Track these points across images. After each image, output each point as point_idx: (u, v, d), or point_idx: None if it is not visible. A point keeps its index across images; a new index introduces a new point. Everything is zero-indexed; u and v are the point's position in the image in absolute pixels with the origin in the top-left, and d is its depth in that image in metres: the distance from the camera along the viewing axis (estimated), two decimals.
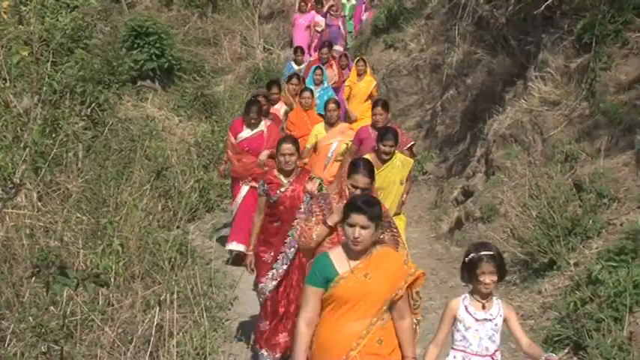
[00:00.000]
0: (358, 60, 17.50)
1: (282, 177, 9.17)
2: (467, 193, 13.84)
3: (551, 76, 12.83)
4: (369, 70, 17.57)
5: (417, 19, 20.50)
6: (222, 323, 10.03)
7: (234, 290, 11.04)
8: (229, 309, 10.52)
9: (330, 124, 12.94)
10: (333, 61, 18.52)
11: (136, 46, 20.39)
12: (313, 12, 23.24)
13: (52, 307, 8.45)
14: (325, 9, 23.08)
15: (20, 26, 14.30)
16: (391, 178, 10.23)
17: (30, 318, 8.10)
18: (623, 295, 8.41)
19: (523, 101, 13.13)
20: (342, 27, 22.99)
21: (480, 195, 13.19)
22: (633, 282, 8.52)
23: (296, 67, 18.44)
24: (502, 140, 13.24)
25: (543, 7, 13.08)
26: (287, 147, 9.15)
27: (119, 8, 26.30)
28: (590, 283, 9.02)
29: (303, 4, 24.04)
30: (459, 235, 13.16)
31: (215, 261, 11.73)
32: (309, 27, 22.86)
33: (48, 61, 13.41)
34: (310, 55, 21.35)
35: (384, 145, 10.18)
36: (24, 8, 14.60)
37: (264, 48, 26.05)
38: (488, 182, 13.12)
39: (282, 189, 9.06)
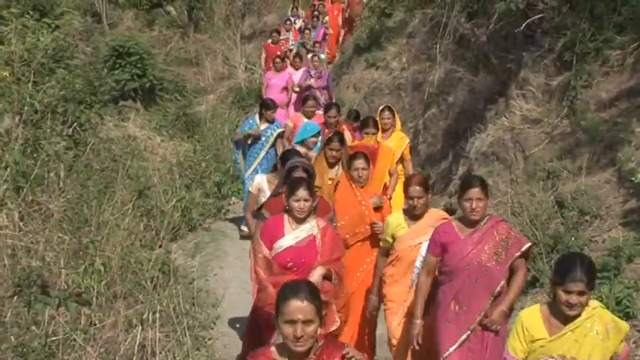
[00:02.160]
0: (383, 110, 13.16)
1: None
2: (450, 211, 13.83)
3: (532, 94, 12.87)
4: (398, 122, 13.27)
5: (398, 37, 20.56)
6: (205, 342, 10.01)
7: (217, 309, 11.05)
8: (212, 328, 10.53)
9: (412, 215, 8.56)
10: (343, 125, 13.86)
11: (117, 66, 20.41)
12: (289, 70, 19.46)
13: (33, 327, 8.41)
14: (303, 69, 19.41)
15: (1, 46, 14.31)
16: None
17: (12, 338, 8.06)
18: None
19: (504, 119, 13.16)
20: (329, 85, 19.28)
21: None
22: (616, 299, 8.55)
23: (259, 124, 13.99)
24: (484, 158, 13.26)
25: (524, 25, 13.15)
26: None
27: (101, 29, 26.40)
28: None
29: (277, 59, 19.58)
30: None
31: (197, 280, 11.69)
32: (285, 89, 18.79)
33: (29, 81, 13.39)
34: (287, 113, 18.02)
35: None
36: (5, 28, 14.61)
37: (246, 67, 26.13)
38: None
39: None
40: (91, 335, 8.62)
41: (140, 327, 8.74)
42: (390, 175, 12.09)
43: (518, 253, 7.42)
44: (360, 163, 9.51)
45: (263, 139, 13.87)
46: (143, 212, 13.58)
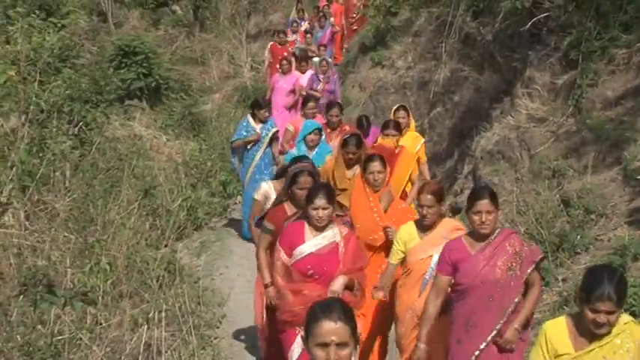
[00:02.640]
0: (397, 109, 12.56)
1: None
2: (455, 210, 13.82)
3: (538, 92, 12.86)
4: (412, 123, 12.70)
5: (404, 36, 20.53)
6: (211, 341, 10.02)
7: (223, 308, 11.05)
8: (218, 327, 10.53)
9: (422, 226, 8.21)
10: (346, 126, 13.39)
11: (123, 65, 20.40)
12: (297, 73, 18.95)
13: (39, 326, 8.43)
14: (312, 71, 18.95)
15: (7, 46, 14.31)
16: None
17: (18, 337, 8.08)
18: None
19: (510, 118, 13.15)
20: (336, 88, 18.78)
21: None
22: None
23: (254, 125, 14.02)
24: (489, 157, 13.25)
25: (530, 24, 13.13)
26: None
27: (106, 28, 26.42)
28: None
29: (285, 62, 18.94)
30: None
31: (203, 279, 11.69)
32: (292, 92, 18.40)
33: (35, 80, 13.40)
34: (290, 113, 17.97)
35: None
36: (11, 28, 14.60)
37: (251, 67, 26.11)
38: None
39: None
40: (96, 334, 8.63)
41: (146, 326, 8.75)
42: (412, 182, 11.37)
43: (532, 267, 7.07)
44: (375, 165, 9.03)
45: (259, 140, 13.94)
46: (149, 211, 13.59)
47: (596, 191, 10.49)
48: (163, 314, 9.05)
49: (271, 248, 8.10)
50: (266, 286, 8.19)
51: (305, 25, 25.53)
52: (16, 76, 12.82)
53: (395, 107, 12.79)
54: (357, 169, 10.02)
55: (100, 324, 8.91)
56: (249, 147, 13.92)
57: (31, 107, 12.79)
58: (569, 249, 10.13)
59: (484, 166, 13.27)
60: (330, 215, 7.55)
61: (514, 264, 7.04)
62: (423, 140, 12.53)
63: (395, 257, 8.28)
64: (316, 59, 20.68)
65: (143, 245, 11.78)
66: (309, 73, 18.96)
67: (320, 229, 7.54)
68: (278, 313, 7.67)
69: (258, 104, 14.19)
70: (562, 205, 10.85)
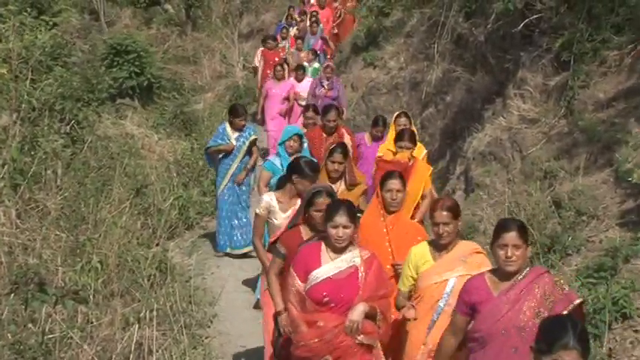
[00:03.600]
0: (398, 116, 12.34)
1: None
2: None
3: (530, 94, 12.89)
4: (415, 130, 11.91)
5: (396, 37, 20.54)
6: (202, 341, 10.02)
7: (214, 308, 11.05)
8: (209, 326, 10.53)
9: (438, 246, 7.39)
10: (343, 129, 12.89)
11: (115, 64, 20.38)
12: (292, 80, 18.72)
13: (30, 325, 8.42)
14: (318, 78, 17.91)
15: None
16: None
17: (8, 335, 8.06)
18: (603, 312, 8.43)
19: (502, 119, 13.18)
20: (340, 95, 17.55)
21: None
22: (612, 299, 8.55)
23: (230, 134, 13.34)
24: (481, 158, 13.27)
25: (522, 25, 13.17)
26: None
27: (98, 26, 26.38)
28: None
29: (279, 68, 18.72)
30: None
31: (194, 278, 11.68)
32: (287, 99, 18.18)
33: (27, 78, 13.38)
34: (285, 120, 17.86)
35: None
36: (2, 26, 14.59)
37: (243, 66, 26.11)
38: (468, 200, 13.14)
39: None
40: (87, 333, 8.62)
41: (137, 325, 8.75)
42: (423, 197, 10.62)
43: (565, 313, 5.87)
44: (394, 183, 8.27)
45: (234, 150, 13.25)
46: (140, 210, 13.59)
47: (587, 193, 10.50)
48: (155, 313, 9.05)
49: (282, 273, 7.53)
50: (278, 314, 7.48)
51: (294, 31, 24.96)
52: (8, 74, 12.82)
53: (396, 114, 12.44)
54: (340, 184, 9.72)
55: (91, 323, 8.90)
56: (221, 155, 13.28)
57: (23, 105, 12.78)
58: (561, 250, 10.14)
59: (476, 167, 13.30)
60: (351, 236, 6.84)
61: (542, 309, 5.98)
62: (425, 151, 12.03)
63: (405, 284, 7.40)
64: (316, 66, 20.52)
65: (134, 244, 11.78)
66: (307, 80, 18.48)
67: (339, 250, 6.84)
68: (292, 347, 6.90)
69: (236, 111, 13.42)
70: (553, 207, 10.87)
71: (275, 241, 7.96)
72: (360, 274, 6.77)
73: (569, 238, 10.12)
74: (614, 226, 9.91)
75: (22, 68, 13.47)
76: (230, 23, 28.44)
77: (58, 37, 17.06)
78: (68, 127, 14.80)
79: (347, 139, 12.28)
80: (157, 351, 8.67)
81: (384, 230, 8.16)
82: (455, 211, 7.21)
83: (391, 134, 11.92)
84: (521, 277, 6.13)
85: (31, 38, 14.46)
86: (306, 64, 20.39)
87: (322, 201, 7.52)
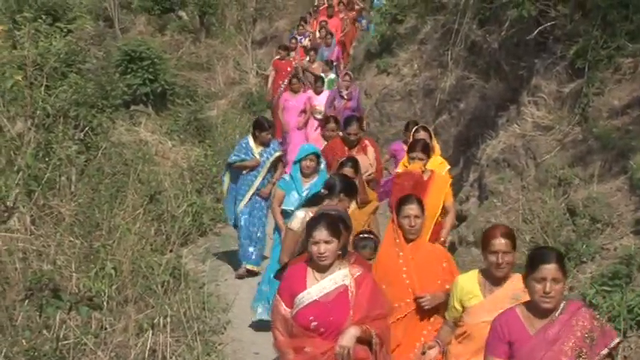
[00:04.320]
0: (417, 130, 11.54)
1: None
2: (460, 218, 13.83)
3: (544, 101, 12.85)
4: (437, 146, 11.53)
5: (410, 44, 20.56)
6: (216, 347, 10.02)
7: (228, 314, 11.06)
8: (222, 333, 10.54)
9: (493, 279, 6.68)
10: (366, 141, 12.28)
11: (129, 70, 20.40)
12: (309, 92, 18.26)
13: (44, 331, 8.44)
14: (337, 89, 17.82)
15: (14, 50, 14.39)
16: None
17: (23, 341, 8.09)
18: (618, 319, 8.41)
19: (516, 126, 13.15)
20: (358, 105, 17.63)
21: (473, 219, 13.18)
22: (627, 306, 8.52)
23: (254, 148, 12.75)
24: (495, 165, 13.25)
25: (536, 32, 13.14)
26: None
27: (113, 33, 26.44)
28: None
29: (295, 80, 18.40)
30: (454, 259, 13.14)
31: (208, 285, 11.70)
32: (303, 111, 17.81)
33: (41, 85, 13.43)
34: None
35: None
36: (18, 33, 14.68)
37: (257, 73, 26.13)
38: (482, 207, 13.12)
39: None
40: (101, 339, 8.65)
41: (151, 331, 8.76)
42: (446, 211, 10.13)
43: (605, 351, 5.52)
44: (412, 209, 7.50)
45: (258, 166, 12.71)
46: (154, 217, 13.60)
47: (602, 200, 10.47)
48: (168, 320, 9.06)
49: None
50: None
51: (306, 41, 24.65)
52: (23, 81, 12.87)
53: (415, 128, 11.64)
54: (351, 203, 8.94)
55: (105, 329, 8.92)
56: (244, 172, 12.75)
57: (38, 112, 12.82)
58: (575, 258, 10.10)
59: (490, 174, 13.27)
60: (335, 251, 6.22)
61: (584, 349, 5.41)
62: (448, 167, 11.43)
63: (450, 314, 6.82)
64: (332, 77, 20.27)
65: (148, 250, 11.78)
66: (326, 93, 18.16)
67: (324, 269, 6.20)
68: None
69: (261, 125, 12.77)
70: (568, 214, 10.83)
71: (282, 269, 7.38)
72: (350, 294, 6.15)
73: (584, 246, 10.08)
74: (628, 233, 9.88)
75: (36, 75, 13.52)
76: (244, 30, 28.43)
77: (73, 44, 17.12)
78: (82, 134, 14.83)
79: (370, 152, 11.91)
80: (171, 357, 8.69)
81: (401, 262, 7.42)
82: (514, 240, 6.59)
83: None
84: (558, 313, 5.53)
85: (46, 45, 14.52)
86: (322, 75, 20.09)
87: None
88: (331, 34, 23.67)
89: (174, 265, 11.48)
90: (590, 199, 10.62)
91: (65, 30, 17.00)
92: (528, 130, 12.78)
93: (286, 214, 10.30)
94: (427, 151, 10.33)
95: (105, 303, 9.26)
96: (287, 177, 10.89)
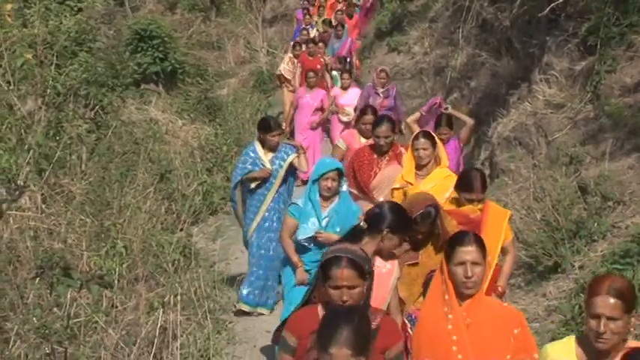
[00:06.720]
0: (416, 137, 9.04)
1: None
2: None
3: (555, 78, 12.80)
4: (443, 155, 9.19)
5: (420, 22, 20.50)
6: (226, 325, 10.04)
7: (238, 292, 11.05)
8: (233, 311, 10.53)
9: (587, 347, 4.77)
10: (401, 148, 9.84)
11: (139, 49, 20.43)
12: (336, 89, 16.93)
13: (55, 309, 8.44)
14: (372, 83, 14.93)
15: (24, 29, 14.37)
16: None
17: (34, 319, 8.09)
18: None
19: (527, 104, 13.11)
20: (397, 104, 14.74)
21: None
22: (639, 284, 8.49)
23: (262, 156, 10.33)
24: (506, 143, 13.22)
25: (548, 9, 13.05)
26: None
27: (123, 12, 26.38)
28: None
29: (311, 75, 16.25)
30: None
31: (218, 263, 11.70)
32: (321, 109, 15.93)
33: (52, 63, 13.44)
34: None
35: None
36: (28, 11, 14.68)
37: (267, 51, 26.12)
38: (493, 185, 13.07)
39: None
40: (112, 317, 8.65)
41: (161, 310, 8.75)
42: (504, 252, 7.95)
43: None
44: (469, 252, 5.34)
45: (270, 177, 10.35)
46: (164, 195, 13.62)
47: (613, 178, 10.44)
48: (179, 298, 9.05)
49: None
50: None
51: (313, 32, 23.05)
52: (33, 60, 12.88)
53: (414, 135, 9.33)
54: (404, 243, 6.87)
55: (116, 307, 8.93)
56: (253, 185, 10.41)
57: (48, 90, 12.84)
58: (586, 236, 10.08)
59: (501, 152, 13.24)
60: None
61: None
62: (510, 213, 8.51)
63: None
64: (335, 73, 18.97)
65: (159, 229, 11.80)
66: (356, 90, 16.17)
67: None
68: None
69: (267, 125, 10.41)
70: (579, 192, 10.80)
71: (280, 327, 5.85)
72: None
73: (595, 224, 10.06)
74: None
75: (47, 53, 13.53)
76: (254, 8, 28.41)
77: (83, 23, 17.09)
78: (93, 113, 14.84)
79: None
80: (182, 335, 8.68)
81: (450, 327, 5.28)
82: (630, 302, 4.68)
83: (409, 160, 9.09)
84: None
85: (56, 24, 14.54)
86: (335, 72, 18.98)
87: (340, 272, 5.15)
88: (342, 25, 21.71)
89: (184, 244, 11.50)
90: (601, 177, 10.59)
91: (75, 8, 17.01)
92: (540, 108, 12.73)
93: (301, 249, 8.35)
94: (485, 184, 8.03)
95: (116, 281, 9.26)
96: (299, 202, 8.38)
